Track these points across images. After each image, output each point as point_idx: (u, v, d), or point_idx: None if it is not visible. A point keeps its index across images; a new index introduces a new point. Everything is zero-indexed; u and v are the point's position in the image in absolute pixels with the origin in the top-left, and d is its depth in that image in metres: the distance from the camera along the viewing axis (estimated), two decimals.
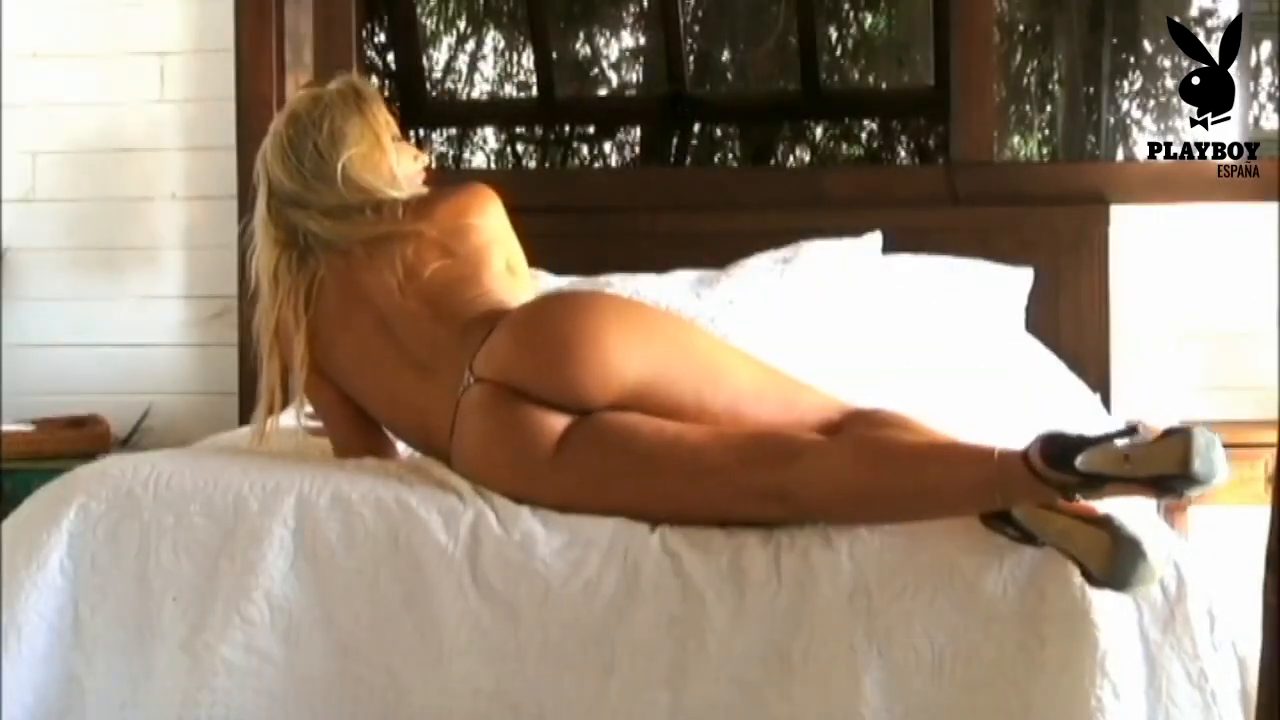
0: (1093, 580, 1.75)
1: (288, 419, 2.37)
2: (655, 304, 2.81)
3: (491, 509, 2.01)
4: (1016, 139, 6.13)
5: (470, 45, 6.74)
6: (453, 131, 6.47)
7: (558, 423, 2.05)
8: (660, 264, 3.36)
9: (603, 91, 6.70)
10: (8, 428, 3.37)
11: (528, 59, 6.41)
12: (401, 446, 2.35)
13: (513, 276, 2.36)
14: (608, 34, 6.66)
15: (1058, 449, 1.76)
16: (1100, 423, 1.88)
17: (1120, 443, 1.74)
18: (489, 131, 6.57)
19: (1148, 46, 5.95)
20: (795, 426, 2.07)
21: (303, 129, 2.30)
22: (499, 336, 2.11)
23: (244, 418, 3.45)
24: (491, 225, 2.35)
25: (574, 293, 2.35)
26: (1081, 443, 1.75)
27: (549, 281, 3.40)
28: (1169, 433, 1.73)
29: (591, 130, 6.53)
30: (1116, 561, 1.72)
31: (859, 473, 1.89)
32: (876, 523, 1.89)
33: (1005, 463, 1.80)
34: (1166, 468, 1.71)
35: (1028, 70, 6.20)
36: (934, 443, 1.93)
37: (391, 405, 2.25)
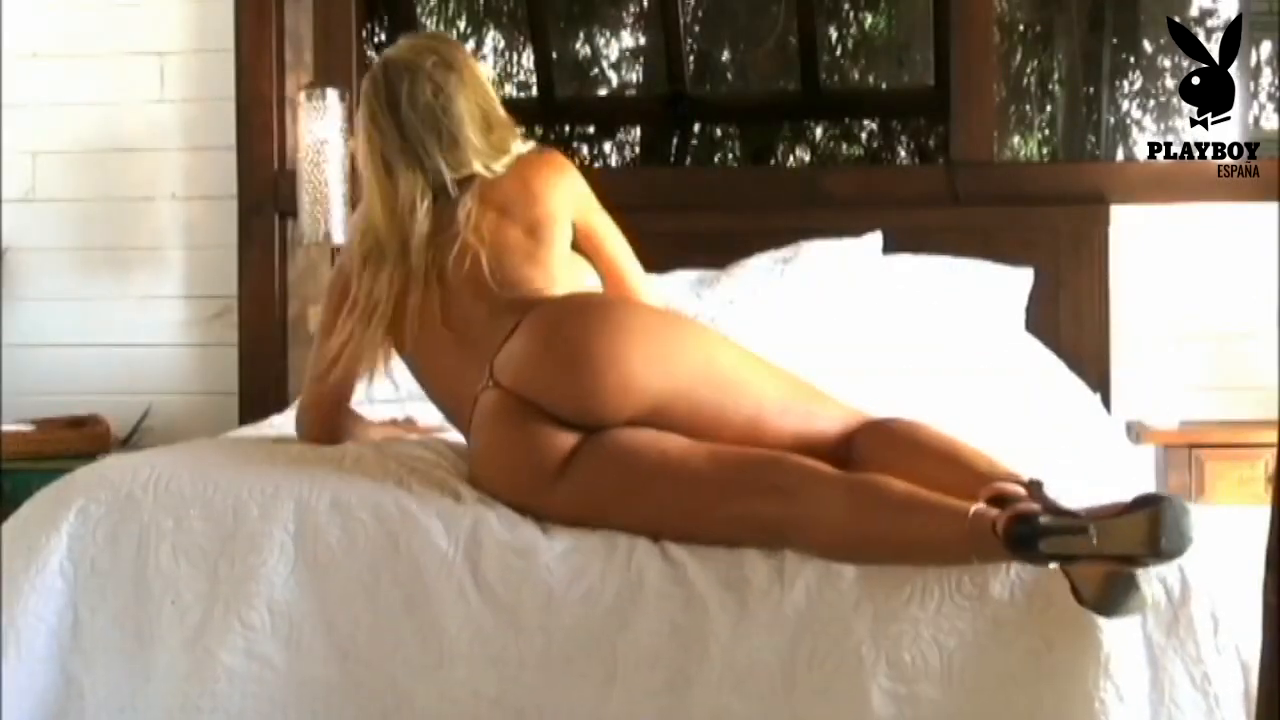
0: (1082, 602, 1.73)
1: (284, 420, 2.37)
2: (676, 310, 2.78)
3: (493, 512, 2.00)
4: (1016, 139, 6.13)
5: (470, 45, 6.74)
6: None
7: (566, 441, 2.03)
8: (660, 264, 3.36)
9: (603, 91, 6.70)
10: (8, 428, 3.37)
11: (528, 59, 6.41)
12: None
13: (574, 263, 2.32)
14: (608, 34, 6.66)
15: (1023, 532, 1.73)
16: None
17: (1081, 536, 1.70)
18: None
19: (1148, 46, 5.95)
20: (814, 440, 2.06)
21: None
22: (520, 340, 2.08)
23: (244, 418, 3.45)
24: (558, 199, 2.31)
25: (599, 300, 2.26)
26: (1045, 530, 1.72)
27: None
28: (1138, 503, 1.71)
29: (591, 130, 6.53)
30: (1108, 591, 1.70)
31: (850, 520, 1.88)
32: (862, 564, 1.88)
33: (976, 527, 1.78)
34: (1133, 548, 1.69)
35: (1028, 70, 6.20)
36: (919, 496, 1.88)
37: (430, 368, 2.25)
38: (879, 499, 1.88)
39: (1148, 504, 1.70)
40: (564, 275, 2.27)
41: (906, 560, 1.86)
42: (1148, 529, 1.67)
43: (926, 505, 1.85)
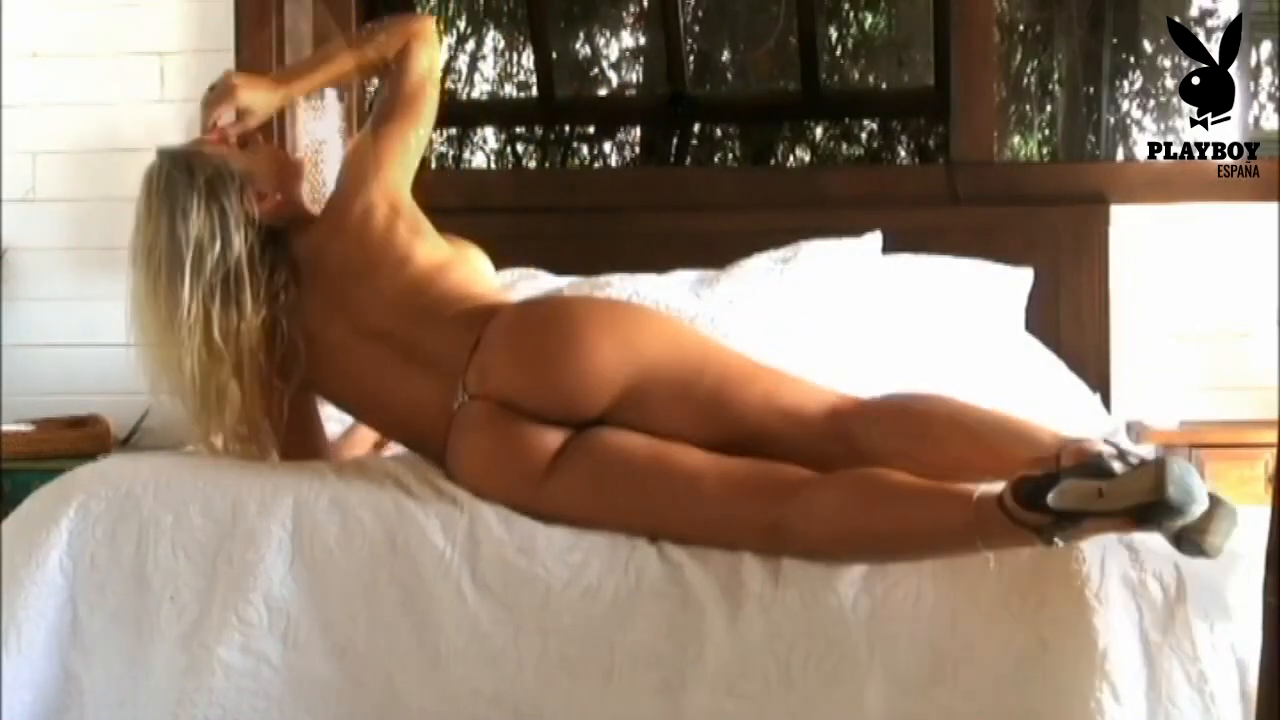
0: (1156, 514, 1.68)
1: None
2: (646, 302, 2.83)
3: (491, 511, 2.01)
4: (1016, 139, 6.13)
5: (470, 45, 6.74)
6: (453, 131, 6.47)
7: (553, 439, 2.06)
8: (660, 264, 3.36)
9: (603, 91, 6.70)
10: (8, 428, 3.37)
11: (528, 59, 6.41)
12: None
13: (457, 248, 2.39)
14: (608, 34, 6.66)
15: (1030, 488, 1.73)
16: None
17: (1091, 485, 1.70)
18: (489, 131, 6.57)
19: (1148, 46, 5.95)
20: (788, 411, 2.06)
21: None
22: (488, 352, 2.11)
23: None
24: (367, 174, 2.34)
25: (555, 299, 2.37)
26: (1054, 480, 1.72)
27: (549, 282, 3.40)
28: (1143, 463, 1.71)
29: (591, 130, 6.53)
30: (1172, 479, 1.67)
31: (849, 511, 1.88)
32: (865, 561, 1.88)
33: (982, 507, 1.78)
34: (1141, 497, 1.68)
35: (1028, 70, 6.20)
36: (920, 485, 1.88)
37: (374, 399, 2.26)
38: (877, 491, 1.88)
39: (1154, 461, 1.70)
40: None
41: (910, 553, 1.86)
42: (1154, 479, 1.67)
43: (928, 493, 1.85)
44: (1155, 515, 1.69)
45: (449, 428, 2.12)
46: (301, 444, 2.31)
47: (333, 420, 2.47)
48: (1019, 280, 3.49)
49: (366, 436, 2.51)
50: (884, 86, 6.61)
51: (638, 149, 6.55)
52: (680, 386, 2.08)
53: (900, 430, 2.02)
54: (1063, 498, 1.70)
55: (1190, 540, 1.72)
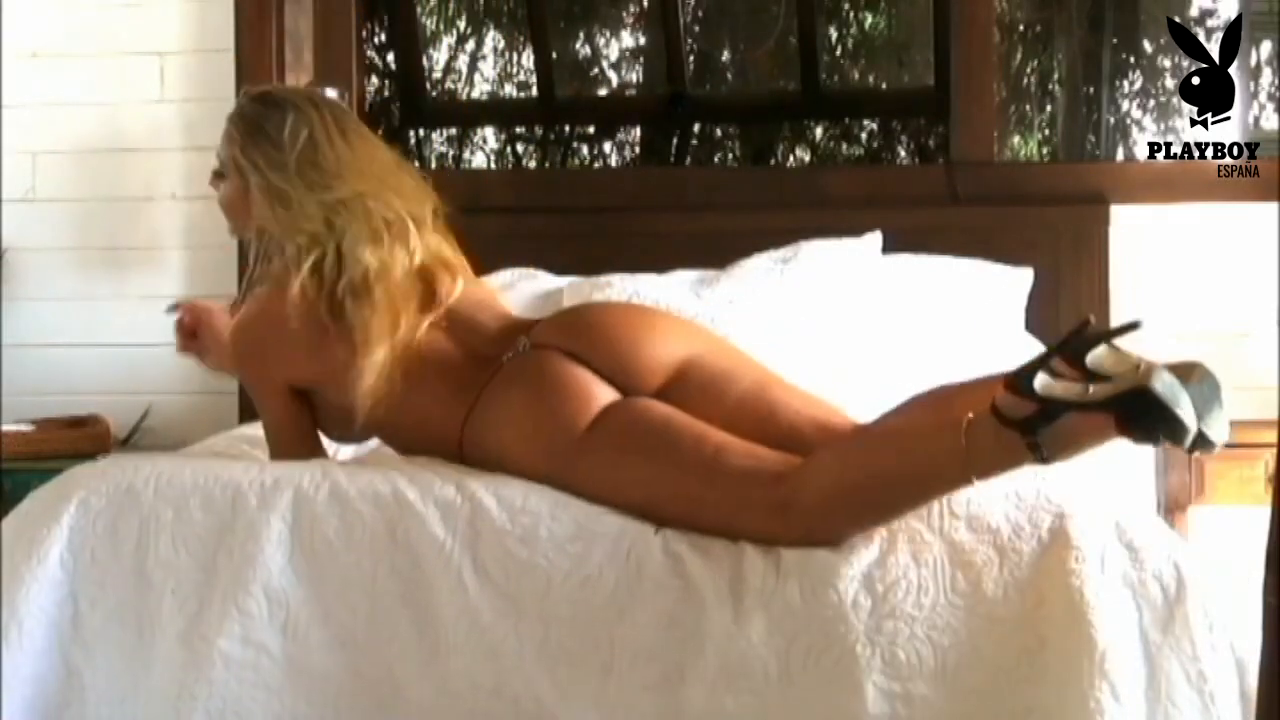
0: (1140, 407, 1.70)
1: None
2: (646, 303, 2.92)
3: (492, 500, 2.00)
4: (1016, 139, 6.13)
5: (470, 45, 6.74)
6: (453, 131, 6.47)
7: (604, 394, 2.11)
8: (660, 264, 3.36)
9: (603, 91, 6.70)
10: (8, 428, 3.37)
11: (528, 59, 6.41)
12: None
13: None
14: (608, 34, 6.66)
15: (1023, 374, 1.78)
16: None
17: (1080, 385, 1.74)
18: (489, 131, 6.57)
19: (1148, 46, 5.95)
20: (824, 421, 2.15)
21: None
22: (571, 315, 2.29)
23: (244, 418, 3.45)
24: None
25: (606, 302, 2.67)
26: (1045, 360, 1.78)
27: (549, 282, 3.40)
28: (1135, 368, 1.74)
29: (591, 130, 6.53)
30: (1160, 378, 1.69)
31: (849, 461, 1.94)
32: (868, 521, 1.90)
33: (972, 429, 1.82)
34: (1124, 385, 1.70)
35: (1028, 70, 6.20)
36: (912, 422, 1.99)
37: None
38: (872, 438, 1.98)
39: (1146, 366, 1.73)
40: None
41: (910, 493, 1.89)
42: (1143, 372, 1.69)
43: (921, 427, 1.94)
44: (1139, 413, 1.69)
45: (482, 392, 2.17)
46: (301, 441, 2.34)
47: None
48: (1019, 280, 3.49)
49: None
50: (884, 86, 6.61)
51: (638, 149, 6.54)
52: (723, 379, 2.18)
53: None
54: (1050, 389, 1.74)
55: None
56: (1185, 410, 1.69)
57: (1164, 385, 1.68)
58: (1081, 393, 1.72)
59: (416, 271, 2.28)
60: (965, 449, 1.81)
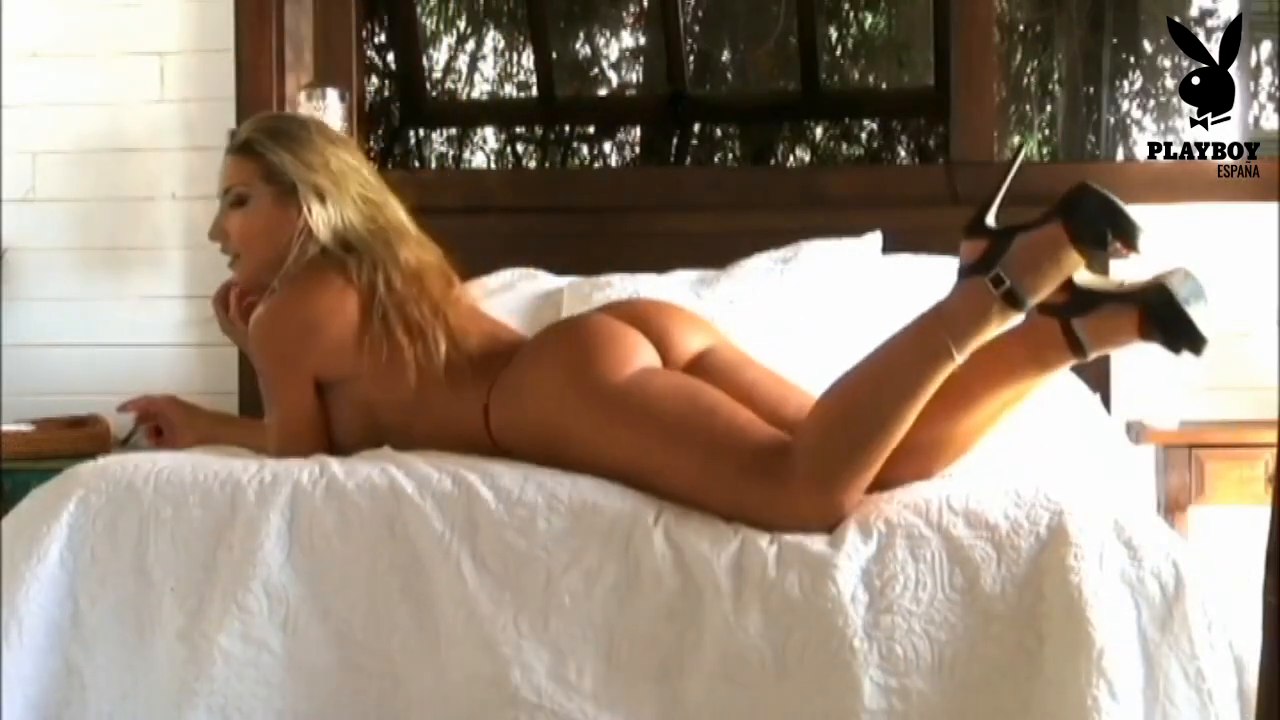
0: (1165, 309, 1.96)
1: None
2: None
3: (490, 493, 2.01)
4: (1016, 139, 6.13)
5: (470, 45, 6.75)
6: (453, 131, 6.48)
7: (647, 354, 2.22)
8: (660, 264, 3.36)
9: (603, 91, 6.70)
10: (8, 428, 3.37)
11: (528, 59, 6.41)
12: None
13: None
14: (608, 34, 6.66)
15: (970, 222, 2.00)
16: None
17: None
18: (489, 131, 6.58)
19: (1148, 46, 5.96)
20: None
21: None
22: (624, 306, 2.44)
23: (244, 418, 3.45)
24: None
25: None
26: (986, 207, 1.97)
27: (549, 282, 3.40)
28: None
29: (591, 130, 6.53)
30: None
31: (842, 387, 2.04)
32: (865, 448, 1.96)
33: (943, 306, 1.98)
34: (1073, 193, 1.90)
35: (1028, 70, 6.21)
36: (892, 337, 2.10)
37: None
38: (856, 364, 2.06)
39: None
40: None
41: (895, 396, 1.97)
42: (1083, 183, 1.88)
43: (883, 343, 2.05)
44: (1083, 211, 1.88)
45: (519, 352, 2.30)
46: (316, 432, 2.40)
47: None
48: None
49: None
50: (884, 86, 6.61)
51: (638, 149, 6.55)
52: (736, 368, 2.30)
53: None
54: (1004, 219, 1.95)
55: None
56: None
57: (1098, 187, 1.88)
58: (1028, 221, 1.87)
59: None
60: (934, 315, 1.95)
